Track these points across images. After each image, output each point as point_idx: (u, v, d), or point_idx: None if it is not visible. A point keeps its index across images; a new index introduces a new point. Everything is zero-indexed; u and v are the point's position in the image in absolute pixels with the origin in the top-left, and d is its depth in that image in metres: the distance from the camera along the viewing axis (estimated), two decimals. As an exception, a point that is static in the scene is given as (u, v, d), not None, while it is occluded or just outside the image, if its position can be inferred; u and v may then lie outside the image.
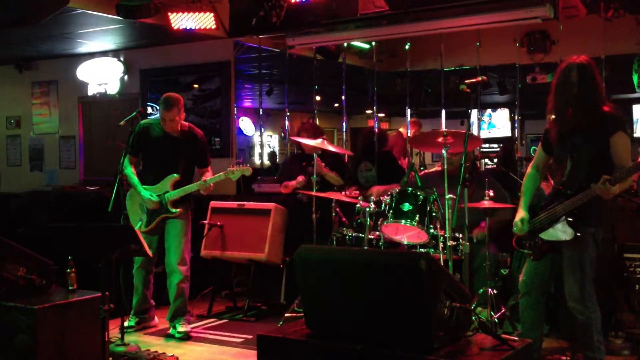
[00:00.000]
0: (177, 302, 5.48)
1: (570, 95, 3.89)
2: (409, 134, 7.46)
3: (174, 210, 5.44)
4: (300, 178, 6.14)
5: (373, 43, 7.95)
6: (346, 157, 7.25)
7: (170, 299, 5.52)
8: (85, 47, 8.04)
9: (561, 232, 3.92)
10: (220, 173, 5.49)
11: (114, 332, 4.76)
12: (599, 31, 6.44)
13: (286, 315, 5.44)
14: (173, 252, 5.45)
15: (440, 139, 4.67)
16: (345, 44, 7.81)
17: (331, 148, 5.59)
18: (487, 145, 11.37)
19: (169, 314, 5.56)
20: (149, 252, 4.74)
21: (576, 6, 6.26)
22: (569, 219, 3.88)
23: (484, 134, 11.58)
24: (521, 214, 4.13)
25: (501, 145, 9.11)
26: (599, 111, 3.88)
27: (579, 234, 3.85)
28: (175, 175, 5.47)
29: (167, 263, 5.48)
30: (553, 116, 4.07)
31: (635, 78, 7.64)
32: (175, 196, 5.44)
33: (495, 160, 7.79)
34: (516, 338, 3.08)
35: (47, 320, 4.13)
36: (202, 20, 6.57)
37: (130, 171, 5.52)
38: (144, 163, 5.73)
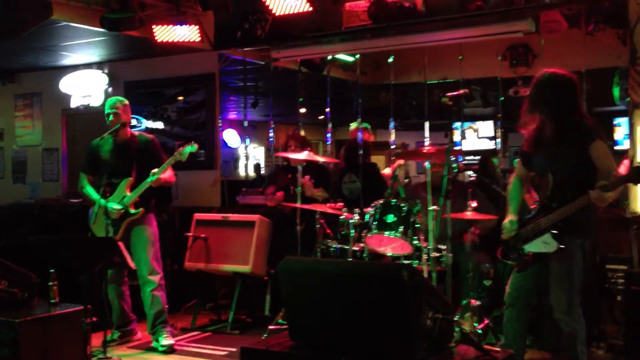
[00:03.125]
0: (153, 310, 5.44)
1: (544, 107, 3.89)
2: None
3: (134, 211, 5.45)
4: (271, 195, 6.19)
5: (357, 56, 7.99)
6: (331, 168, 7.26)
7: (146, 309, 5.48)
8: (69, 59, 8.01)
9: (545, 244, 3.92)
10: (169, 159, 5.46)
11: (96, 346, 4.73)
12: (580, 45, 6.51)
13: (270, 327, 5.42)
14: (143, 264, 5.44)
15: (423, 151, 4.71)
16: (330, 57, 7.84)
17: (318, 159, 5.62)
18: (470, 157, 11.42)
19: (148, 325, 5.51)
20: (132, 265, 4.73)
21: (558, 20, 6.33)
22: (553, 232, 3.87)
23: (469, 147, 11.65)
24: (510, 217, 4.13)
25: (480, 157, 9.16)
26: (574, 122, 3.87)
27: (562, 246, 3.85)
28: (128, 178, 5.50)
29: (139, 275, 5.47)
30: (523, 130, 4.08)
31: (616, 91, 7.72)
32: (133, 198, 5.46)
33: (474, 171, 7.83)
34: (498, 349, 3.10)
35: (29, 333, 4.10)
36: (186, 33, 6.57)
37: (88, 189, 5.62)
38: (103, 177, 5.67)
